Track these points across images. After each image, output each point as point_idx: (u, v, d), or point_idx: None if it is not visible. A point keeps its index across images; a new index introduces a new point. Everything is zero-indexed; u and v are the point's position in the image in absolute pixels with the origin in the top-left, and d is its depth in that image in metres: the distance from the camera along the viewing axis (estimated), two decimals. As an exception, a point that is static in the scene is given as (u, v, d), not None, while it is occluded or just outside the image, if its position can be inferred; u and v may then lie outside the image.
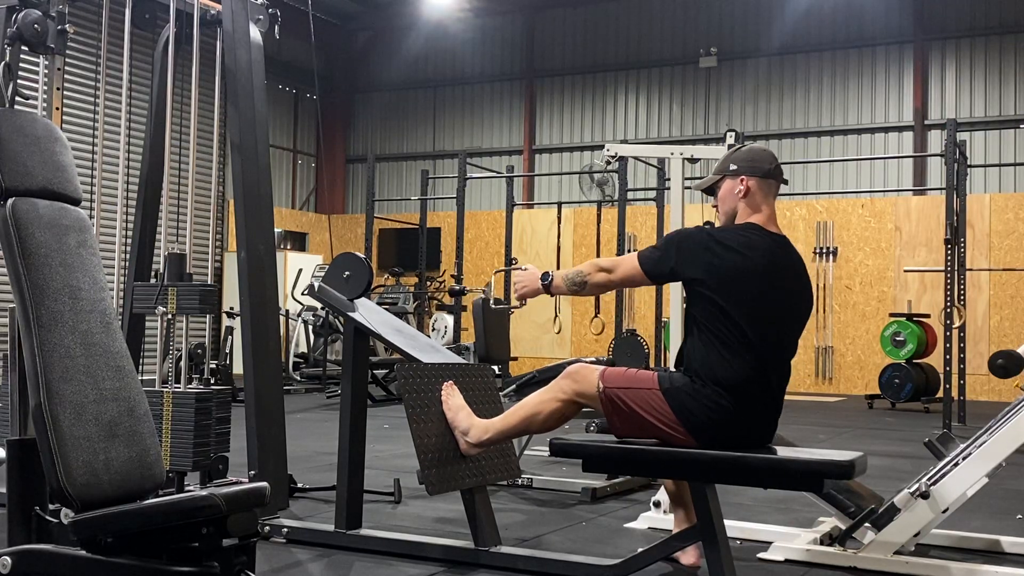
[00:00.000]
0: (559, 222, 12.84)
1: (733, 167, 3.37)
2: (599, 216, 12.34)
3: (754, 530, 4.23)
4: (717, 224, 3.46)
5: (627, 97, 16.54)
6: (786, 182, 3.49)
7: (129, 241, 4.94)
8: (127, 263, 4.90)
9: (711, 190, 3.45)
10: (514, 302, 3.62)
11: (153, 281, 4.44)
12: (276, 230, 10.74)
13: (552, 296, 3.56)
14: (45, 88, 4.06)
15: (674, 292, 4.81)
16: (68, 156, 2.52)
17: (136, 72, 4.78)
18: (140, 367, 4.32)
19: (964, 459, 3.77)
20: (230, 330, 10.91)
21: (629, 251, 14.54)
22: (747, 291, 3.15)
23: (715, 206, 3.44)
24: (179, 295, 4.15)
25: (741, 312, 3.12)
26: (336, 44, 18.18)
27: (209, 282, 5.15)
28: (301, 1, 6.61)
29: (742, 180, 3.33)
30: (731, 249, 3.18)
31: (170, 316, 4.19)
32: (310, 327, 12.76)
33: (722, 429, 3.11)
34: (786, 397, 3.30)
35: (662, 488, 4.27)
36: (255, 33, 4.54)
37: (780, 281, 3.23)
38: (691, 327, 3.24)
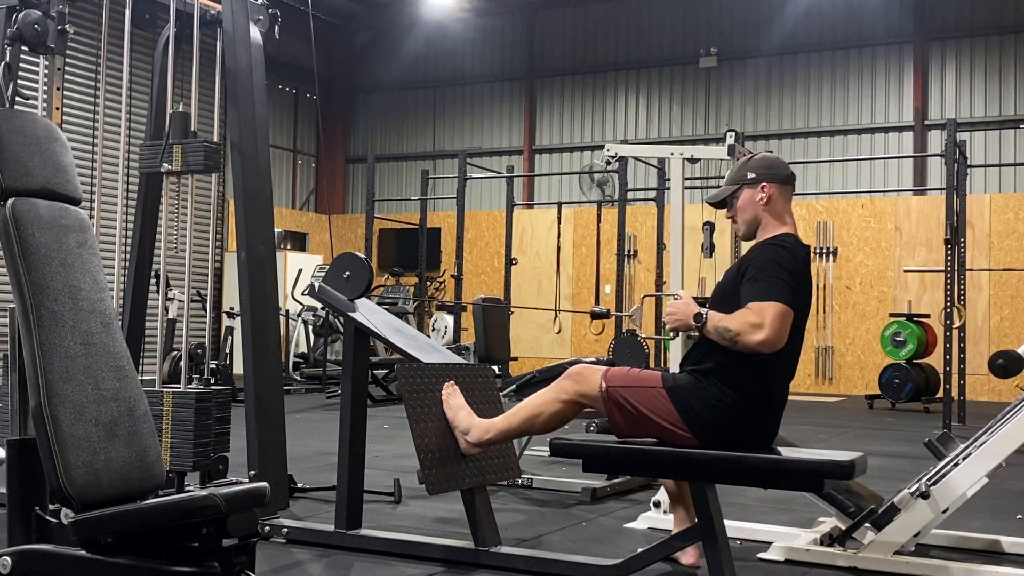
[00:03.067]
0: (559, 222, 12.83)
1: (751, 175, 3.34)
2: (599, 216, 12.34)
3: (754, 530, 4.23)
4: (739, 233, 3.43)
5: (627, 97, 16.54)
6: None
7: (129, 241, 4.94)
8: (127, 263, 4.90)
9: (722, 202, 3.43)
10: (666, 333, 3.44)
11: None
12: (276, 230, 10.75)
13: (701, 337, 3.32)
14: (45, 88, 4.06)
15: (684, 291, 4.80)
16: (68, 156, 2.52)
17: (136, 72, 4.78)
18: (140, 367, 4.32)
19: (964, 459, 3.78)
20: (230, 330, 10.91)
21: (629, 252, 14.59)
22: (797, 302, 3.16)
23: (730, 217, 3.41)
24: (184, 152, 4.14)
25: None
26: (336, 44, 18.17)
27: (208, 284, 5.14)
28: (301, 1, 6.61)
29: (763, 188, 3.31)
30: (801, 261, 3.22)
31: (176, 172, 4.17)
32: (310, 327, 12.76)
33: (725, 428, 3.11)
34: (787, 398, 3.30)
35: (662, 488, 4.27)
36: (255, 33, 4.54)
37: (808, 290, 3.26)
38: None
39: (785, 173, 3.37)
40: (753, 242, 3.39)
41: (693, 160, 5.16)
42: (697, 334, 3.20)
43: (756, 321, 3.03)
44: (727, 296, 3.22)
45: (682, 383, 3.17)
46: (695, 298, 3.26)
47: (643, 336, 3.94)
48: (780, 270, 3.11)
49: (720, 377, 3.12)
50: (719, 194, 3.43)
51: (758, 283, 3.09)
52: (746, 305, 3.08)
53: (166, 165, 4.14)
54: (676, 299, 3.28)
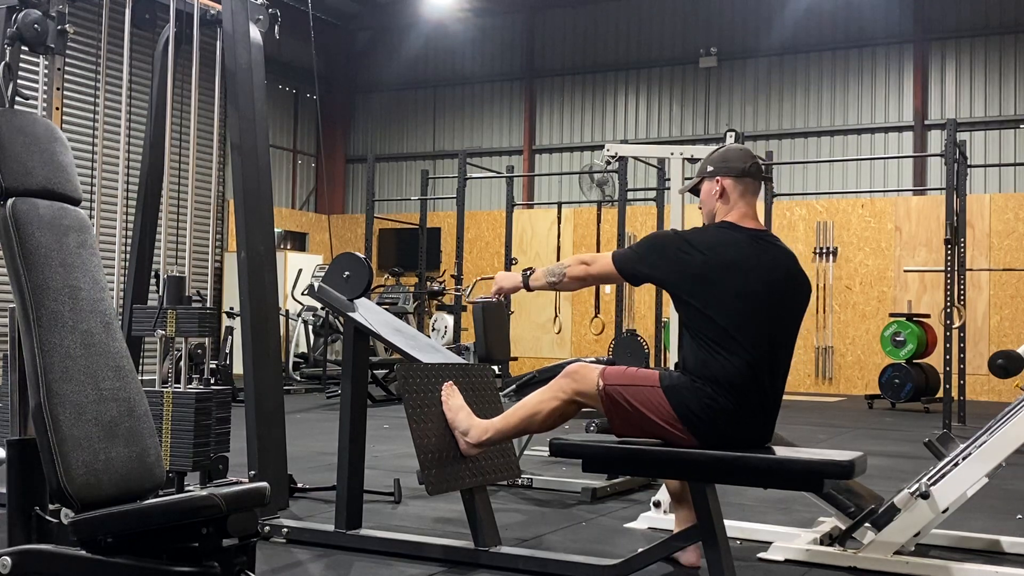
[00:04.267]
0: (559, 222, 12.83)
1: (709, 169, 3.40)
2: (599, 216, 12.34)
3: (754, 530, 4.23)
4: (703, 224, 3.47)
5: (627, 97, 16.54)
6: (768, 179, 3.50)
7: (129, 241, 4.94)
8: (127, 263, 4.90)
9: (696, 191, 3.47)
10: (490, 296, 3.70)
11: (152, 302, 4.43)
12: (276, 230, 10.75)
13: (530, 291, 3.59)
14: (45, 88, 4.06)
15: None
16: (68, 156, 2.52)
17: (136, 72, 4.78)
18: (140, 367, 4.32)
19: (964, 459, 3.77)
20: (230, 330, 10.91)
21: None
22: (722, 289, 3.15)
23: (699, 207, 3.47)
24: (179, 318, 4.17)
25: (719, 311, 3.13)
26: (336, 44, 18.18)
27: (208, 284, 5.14)
28: (301, 1, 6.61)
29: (717, 181, 3.35)
30: (700, 248, 3.19)
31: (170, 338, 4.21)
32: (310, 327, 12.76)
33: (719, 427, 3.11)
34: (786, 397, 3.30)
35: (662, 488, 4.27)
36: (255, 33, 4.54)
37: (758, 275, 3.19)
38: (682, 329, 3.26)
39: (741, 167, 3.34)
40: None
41: (693, 160, 5.18)
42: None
43: (588, 260, 3.37)
44: None
45: (678, 382, 3.18)
46: None
47: (482, 297, 4.23)
48: (644, 245, 3.30)
49: (712, 377, 3.12)
50: (687, 185, 3.54)
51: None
52: None
53: (160, 332, 4.16)
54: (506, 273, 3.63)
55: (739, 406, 3.12)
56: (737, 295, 3.15)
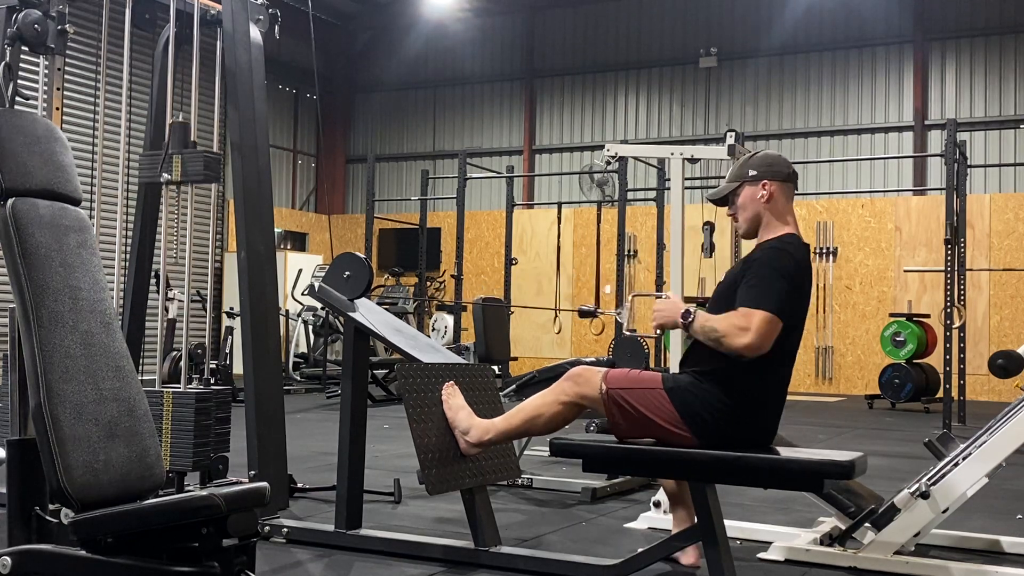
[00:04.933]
0: (559, 222, 12.83)
1: (753, 172, 3.33)
2: (599, 216, 12.34)
3: (754, 530, 4.23)
4: (740, 231, 3.42)
5: (627, 97, 16.54)
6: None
7: (129, 241, 4.94)
8: (127, 263, 4.90)
9: (724, 200, 3.42)
10: (650, 330, 3.44)
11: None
12: (276, 230, 10.73)
13: (687, 334, 3.35)
14: (45, 88, 4.05)
15: (674, 292, 4.81)
16: (68, 156, 2.52)
17: (136, 72, 4.78)
18: (140, 367, 4.32)
19: (964, 459, 3.77)
20: (230, 330, 10.91)
21: (629, 252, 14.58)
22: (797, 308, 3.17)
23: (731, 215, 3.41)
24: (184, 162, 4.15)
25: (784, 326, 3.11)
26: (336, 44, 18.17)
27: (208, 284, 5.14)
28: (301, 1, 6.61)
29: (764, 185, 3.30)
30: (805, 270, 3.22)
31: (176, 183, 4.19)
32: (310, 327, 12.76)
33: (724, 428, 3.11)
34: (786, 397, 3.30)
35: (662, 488, 4.27)
36: (255, 33, 4.54)
37: (808, 291, 3.27)
38: None
39: (787, 171, 3.36)
40: (754, 241, 3.38)
41: (693, 160, 5.16)
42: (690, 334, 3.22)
43: (743, 325, 3.04)
44: (727, 296, 3.22)
45: (682, 384, 3.17)
46: (690, 298, 3.30)
47: (639, 334, 3.91)
48: (778, 277, 3.11)
49: (718, 378, 3.12)
50: (721, 191, 3.42)
51: (753, 288, 3.10)
52: (738, 308, 3.09)
53: (165, 175, 4.16)
54: (665, 299, 3.32)
55: (745, 407, 3.12)
56: (799, 310, 3.21)
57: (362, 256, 4.07)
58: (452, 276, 12.14)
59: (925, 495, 3.67)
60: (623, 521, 4.53)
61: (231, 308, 11.76)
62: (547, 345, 15.18)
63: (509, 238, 11.71)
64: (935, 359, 10.50)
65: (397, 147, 18.40)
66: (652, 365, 11.01)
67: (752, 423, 3.15)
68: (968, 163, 10.37)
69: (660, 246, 11.29)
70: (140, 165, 4.41)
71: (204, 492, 2.22)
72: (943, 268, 9.26)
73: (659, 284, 11.02)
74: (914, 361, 11.29)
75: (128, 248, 4.92)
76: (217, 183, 4.39)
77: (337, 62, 18.27)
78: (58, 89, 4.05)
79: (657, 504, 4.39)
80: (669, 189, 5.63)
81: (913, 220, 13.69)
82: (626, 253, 11.77)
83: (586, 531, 4.37)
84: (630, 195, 12.17)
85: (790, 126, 15.41)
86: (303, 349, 13.10)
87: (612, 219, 12.66)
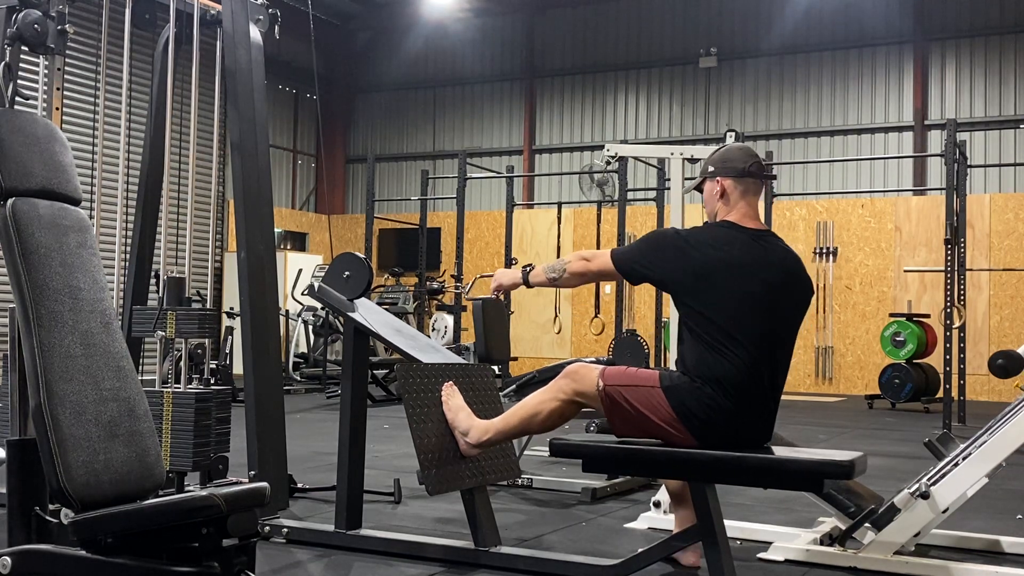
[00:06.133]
0: (559, 222, 12.83)
1: (710, 169, 3.41)
2: (599, 216, 12.34)
3: (754, 530, 4.23)
4: None
5: (627, 97, 16.54)
6: (774, 178, 3.50)
7: (129, 241, 4.94)
8: (127, 263, 4.90)
9: (700, 191, 3.48)
10: (489, 293, 3.73)
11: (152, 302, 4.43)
12: (276, 230, 10.74)
13: (530, 287, 3.62)
14: (45, 88, 4.05)
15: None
16: (68, 156, 2.52)
17: (136, 72, 4.78)
18: (140, 367, 4.32)
19: (964, 459, 3.77)
20: (230, 330, 10.91)
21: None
22: (721, 288, 3.15)
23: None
24: (178, 320, 4.17)
25: (717, 310, 3.13)
26: (336, 44, 18.17)
27: (208, 284, 5.14)
28: (301, 1, 6.61)
29: (717, 181, 3.35)
30: (699, 247, 3.20)
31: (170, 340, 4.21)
32: (310, 327, 12.76)
33: (719, 427, 3.11)
34: (786, 397, 3.30)
35: (662, 488, 4.27)
36: (255, 33, 4.54)
37: (758, 275, 3.19)
38: (681, 329, 3.26)
39: (742, 167, 3.34)
40: None
41: (693, 160, 5.17)
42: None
43: (588, 256, 3.41)
44: None
45: (678, 382, 3.18)
46: None
47: (477, 297, 4.35)
48: (644, 240, 3.33)
49: (712, 376, 3.12)
50: (692, 185, 3.53)
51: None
52: None
53: (160, 332, 4.15)
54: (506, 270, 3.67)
55: (738, 405, 3.12)
56: (736, 295, 3.15)
57: (362, 256, 4.07)
58: (452, 276, 12.14)
59: (925, 495, 3.67)
60: (623, 521, 4.53)
61: (231, 308, 11.75)
62: (547, 345, 15.18)
63: (509, 238, 11.70)
64: (935, 359, 10.50)
65: (397, 147, 18.40)
66: (652, 365, 11.02)
67: (746, 422, 3.15)
68: (968, 163, 10.37)
69: (660, 246, 11.26)
70: (133, 318, 4.33)
71: (204, 492, 2.22)
72: (943, 268, 9.26)
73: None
74: (914, 361, 11.29)
75: (128, 248, 4.92)
76: (210, 338, 4.38)
77: (337, 62, 18.27)
78: (58, 89, 4.05)
79: (657, 504, 4.39)
80: (669, 189, 5.63)
81: (913, 220, 13.69)
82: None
83: (586, 531, 4.37)
84: (630, 195, 12.17)
85: (790, 126, 15.41)
86: (303, 349, 13.10)
87: (612, 219, 12.66)
